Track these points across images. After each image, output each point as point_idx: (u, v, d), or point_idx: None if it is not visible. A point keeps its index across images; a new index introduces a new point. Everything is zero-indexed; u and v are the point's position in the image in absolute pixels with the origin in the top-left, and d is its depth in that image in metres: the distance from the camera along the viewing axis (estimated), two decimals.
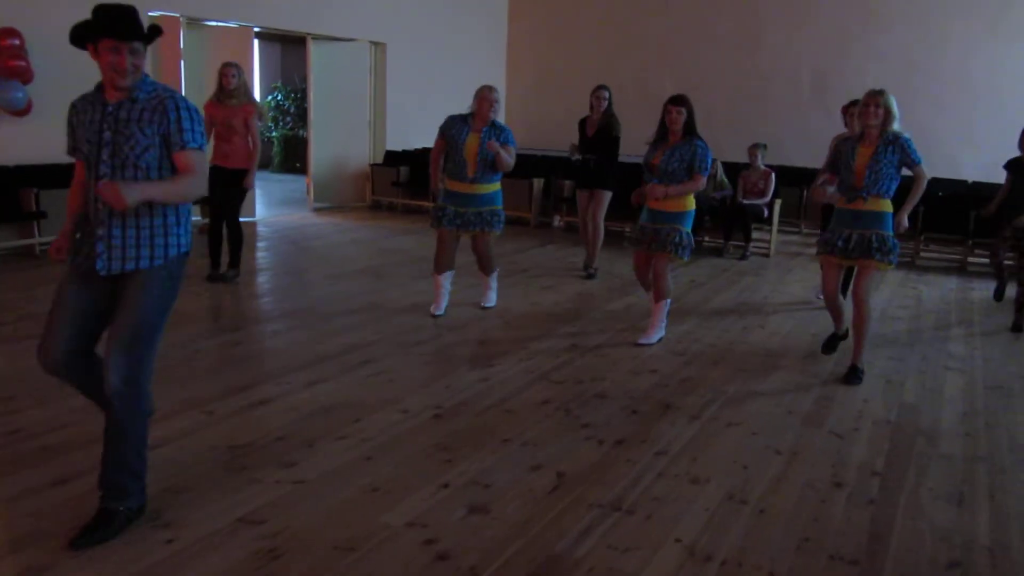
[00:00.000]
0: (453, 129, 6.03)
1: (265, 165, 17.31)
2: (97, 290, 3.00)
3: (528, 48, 15.18)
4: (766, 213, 9.46)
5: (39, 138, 8.00)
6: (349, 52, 12.20)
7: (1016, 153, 7.05)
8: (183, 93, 9.53)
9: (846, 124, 6.64)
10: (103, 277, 2.96)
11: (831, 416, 4.48)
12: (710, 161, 5.57)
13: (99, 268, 2.94)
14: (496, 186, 6.16)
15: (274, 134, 17.81)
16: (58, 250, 3.16)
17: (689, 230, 5.63)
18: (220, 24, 10.22)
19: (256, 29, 10.77)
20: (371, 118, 12.75)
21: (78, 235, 3.02)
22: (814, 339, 6.00)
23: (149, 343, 2.99)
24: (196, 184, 2.95)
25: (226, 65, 6.95)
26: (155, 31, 2.96)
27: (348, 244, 9.31)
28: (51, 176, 7.98)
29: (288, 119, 17.85)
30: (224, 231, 7.03)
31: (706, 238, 9.85)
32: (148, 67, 8.87)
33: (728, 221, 9.42)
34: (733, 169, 9.99)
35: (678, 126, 5.52)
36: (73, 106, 3.03)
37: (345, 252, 8.78)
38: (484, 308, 6.47)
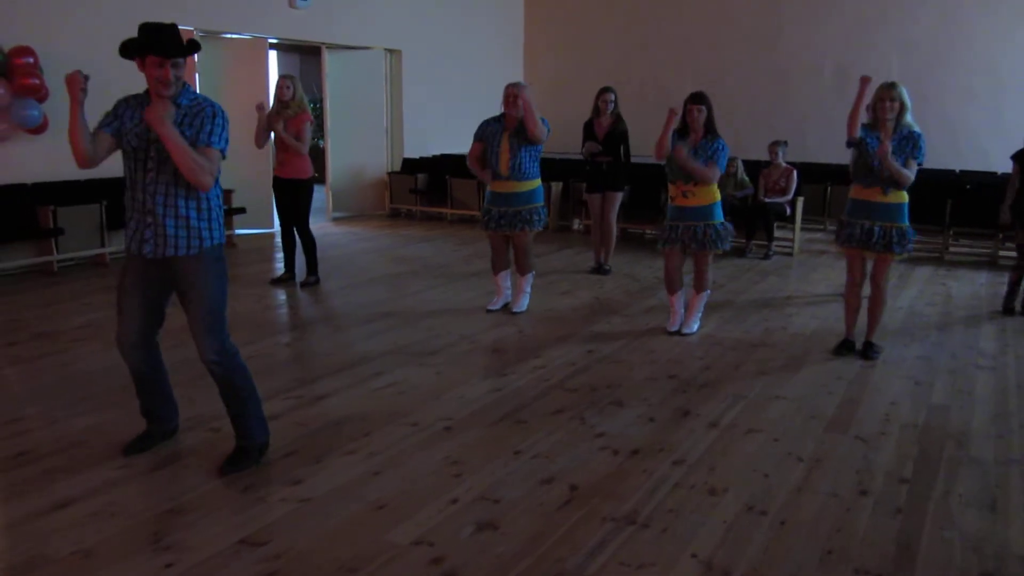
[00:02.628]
0: (488, 130, 6.22)
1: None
2: (152, 275, 3.51)
3: (545, 52, 15.08)
4: (788, 211, 9.27)
5: (55, 155, 8.02)
6: (364, 60, 12.19)
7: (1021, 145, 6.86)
8: None
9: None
10: (151, 261, 3.44)
11: (856, 420, 4.33)
12: (726, 157, 5.70)
13: (147, 252, 3.42)
14: (535, 183, 6.23)
15: None
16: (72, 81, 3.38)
17: (722, 219, 5.80)
18: (234, 36, 10.23)
19: (271, 40, 10.77)
20: (388, 126, 12.72)
21: (130, 223, 3.48)
22: (838, 340, 5.83)
23: (222, 316, 3.57)
24: (203, 169, 3.31)
25: (282, 77, 7.23)
26: (194, 46, 3.39)
27: (365, 253, 9.25)
28: (68, 193, 8.03)
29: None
30: (296, 239, 7.44)
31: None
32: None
33: (750, 220, 9.24)
34: (754, 167, 9.81)
35: (699, 124, 5.64)
36: (124, 99, 3.47)
37: (362, 261, 8.73)
38: (513, 313, 6.39)
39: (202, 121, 3.35)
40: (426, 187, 12.02)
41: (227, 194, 9.57)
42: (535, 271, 6.69)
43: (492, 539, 3.05)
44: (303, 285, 7.40)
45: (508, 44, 14.96)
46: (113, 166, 8.51)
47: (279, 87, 7.16)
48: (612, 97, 7.77)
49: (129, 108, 3.43)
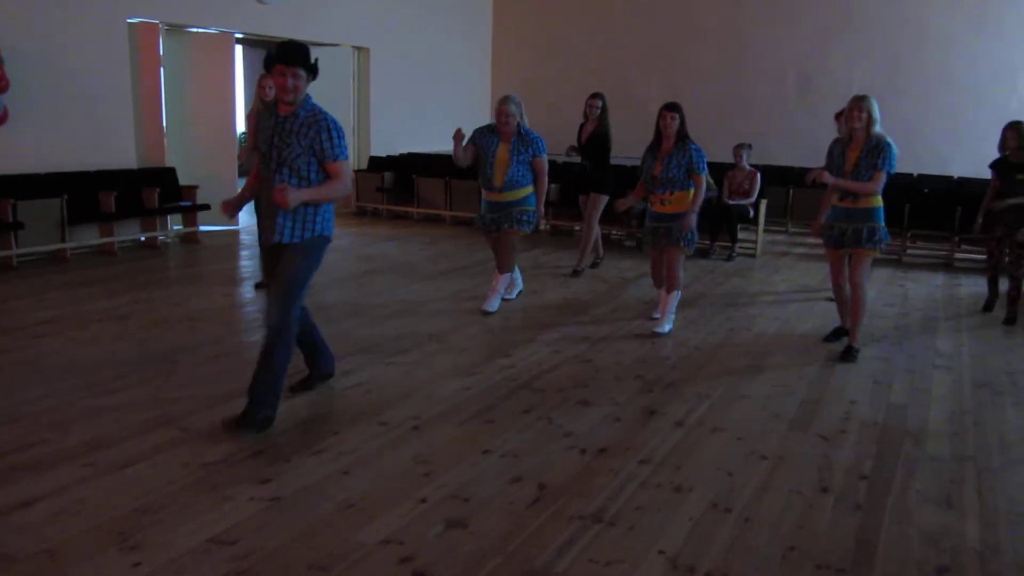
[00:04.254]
0: (483, 140, 6.35)
1: (247, 172, 17.16)
2: (276, 257, 4.06)
3: (513, 53, 15.13)
4: (752, 213, 9.41)
5: (16, 148, 7.89)
6: (332, 57, 12.09)
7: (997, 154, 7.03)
8: (163, 100, 9.52)
9: (839, 130, 6.66)
10: (275, 246, 4.05)
11: (817, 419, 4.43)
12: (705, 160, 6.02)
13: (276, 240, 4.01)
14: (526, 190, 6.37)
15: None
16: (226, 206, 4.17)
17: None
18: (201, 30, 10.12)
19: (237, 35, 10.66)
20: (355, 124, 12.66)
21: (260, 219, 4.23)
22: (800, 341, 5.96)
23: (297, 295, 4.05)
24: (340, 188, 4.04)
25: (263, 77, 6.86)
26: (313, 66, 3.96)
27: (330, 251, 9.09)
28: (28, 186, 7.86)
29: None
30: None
31: None
32: (127, 74, 8.65)
33: (714, 222, 9.36)
34: (718, 169, 9.91)
35: (672, 131, 5.93)
36: (257, 112, 4.19)
37: (327, 260, 8.58)
38: (484, 312, 6.43)
39: (317, 133, 3.87)
40: (392, 186, 11.99)
41: (192, 191, 9.47)
42: (513, 274, 6.78)
43: (461, 538, 3.07)
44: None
45: (477, 45, 14.97)
46: (68, 160, 8.31)
47: (262, 87, 6.80)
48: (599, 103, 8.00)
49: (259, 120, 4.09)
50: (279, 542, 3.00)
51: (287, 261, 4.00)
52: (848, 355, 5.51)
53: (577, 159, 8.29)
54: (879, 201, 5.39)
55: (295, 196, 3.78)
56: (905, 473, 3.78)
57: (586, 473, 3.66)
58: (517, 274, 6.90)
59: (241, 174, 14.54)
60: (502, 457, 3.80)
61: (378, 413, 4.31)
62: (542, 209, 6.53)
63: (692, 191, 6.01)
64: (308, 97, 3.96)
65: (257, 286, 7.14)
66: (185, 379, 4.77)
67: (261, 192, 4.12)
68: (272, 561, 2.87)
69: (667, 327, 6.07)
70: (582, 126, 8.18)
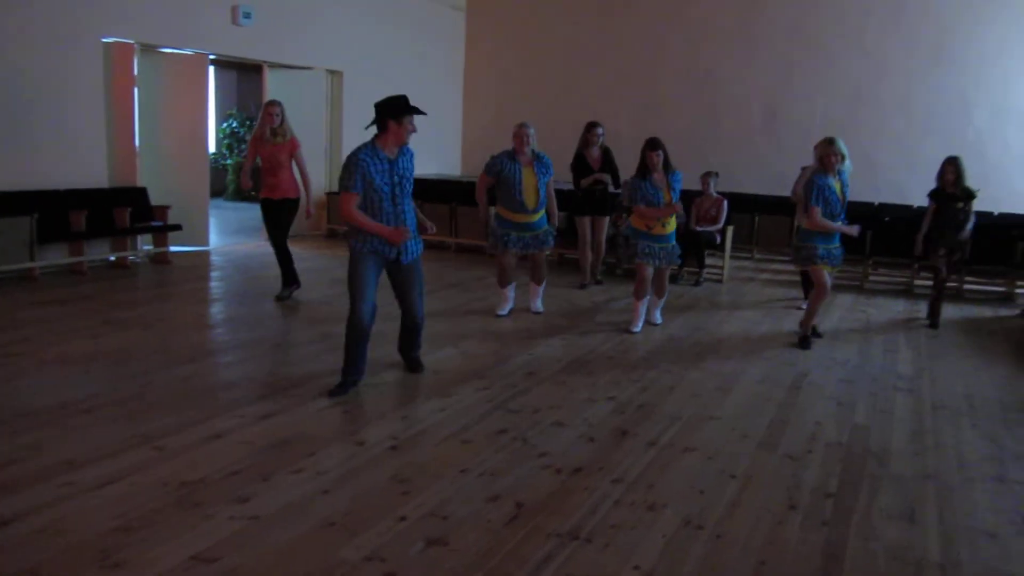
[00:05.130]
0: (503, 167, 6.98)
1: (219, 193, 17.12)
2: (393, 269, 5.10)
3: (484, 78, 15.32)
4: (719, 239, 9.60)
5: None
6: (306, 80, 12.18)
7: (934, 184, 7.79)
8: (136, 120, 9.50)
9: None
10: (395, 260, 5.03)
11: (785, 439, 4.55)
12: (679, 182, 6.83)
13: (404, 260, 5.03)
14: (543, 212, 7.14)
15: (228, 162, 17.63)
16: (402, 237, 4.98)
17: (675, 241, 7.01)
18: (175, 51, 10.14)
19: (211, 56, 10.69)
20: (327, 147, 12.71)
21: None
22: (767, 364, 6.10)
23: (351, 289, 4.98)
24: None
25: (270, 104, 7.42)
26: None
27: (304, 273, 9.19)
28: None
29: (243, 147, 17.68)
30: (279, 252, 7.69)
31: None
32: (100, 93, 8.61)
33: (682, 248, 9.50)
34: (686, 197, 10.08)
35: (659, 167, 6.70)
36: (359, 155, 4.94)
37: (301, 281, 8.68)
38: (536, 313, 7.40)
39: (413, 167, 5.12)
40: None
41: (163, 211, 9.45)
42: (511, 291, 7.42)
43: (442, 555, 3.13)
44: (288, 297, 7.64)
45: (449, 69, 15.13)
46: (39, 178, 8.22)
47: (269, 113, 7.32)
48: (600, 131, 8.61)
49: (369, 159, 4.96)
50: (262, 559, 3.03)
51: (415, 272, 5.14)
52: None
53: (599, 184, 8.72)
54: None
55: (405, 235, 4.94)
56: (869, 491, 3.91)
57: (562, 492, 3.74)
58: (511, 292, 7.38)
59: (214, 194, 14.55)
60: (479, 476, 3.86)
61: (355, 433, 4.35)
62: (555, 222, 7.34)
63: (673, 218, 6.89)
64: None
65: (277, 298, 7.61)
66: (160, 398, 4.77)
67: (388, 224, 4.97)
68: None
69: (660, 319, 7.28)
70: (582, 154, 8.65)
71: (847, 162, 6.36)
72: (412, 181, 5.02)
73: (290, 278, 7.68)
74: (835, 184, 6.37)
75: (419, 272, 5.19)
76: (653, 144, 6.71)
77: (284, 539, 3.18)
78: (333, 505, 3.49)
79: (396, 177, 4.88)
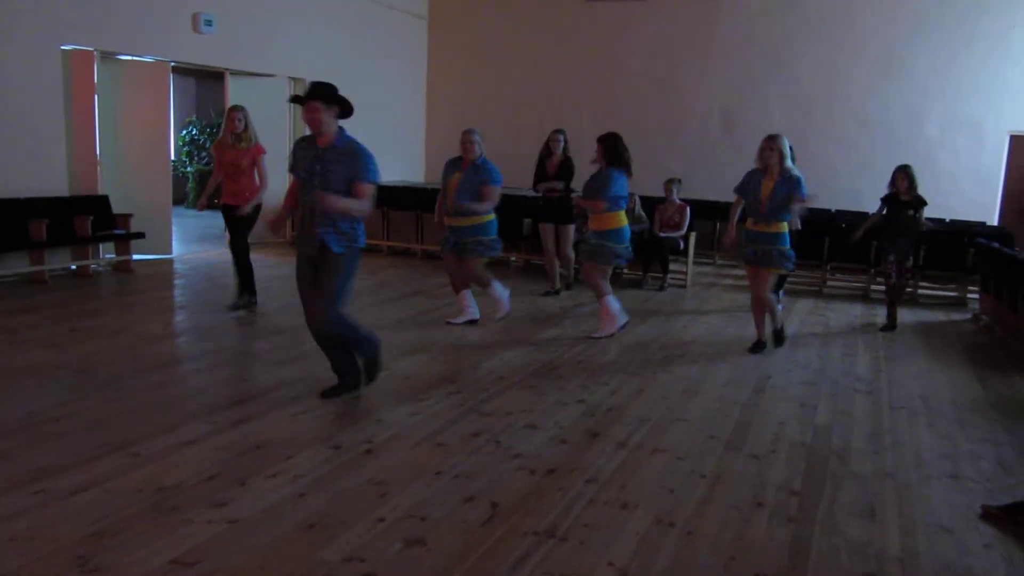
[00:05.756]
0: (445, 170, 6.96)
1: (180, 201, 16.93)
2: (312, 266, 4.72)
3: (446, 85, 15.38)
4: (682, 245, 9.78)
5: None
6: (267, 87, 12.13)
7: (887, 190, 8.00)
8: (97, 127, 9.39)
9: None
10: (313, 257, 4.70)
11: (750, 440, 4.67)
12: (613, 183, 6.67)
13: (317, 250, 4.66)
14: (480, 219, 6.84)
15: (189, 169, 17.45)
16: (272, 224, 5.05)
17: (616, 243, 6.78)
18: (136, 58, 10.05)
19: (172, 64, 10.61)
20: (290, 152, 12.65)
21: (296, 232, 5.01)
22: (730, 367, 6.25)
23: (341, 298, 4.75)
24: (366, 205, 4.67)
25: (232, 110, 7.38)
26: (343, 101, 4.71)
27: (267, 280, 9.17)
28: None
29: (203, 154, 17.53)
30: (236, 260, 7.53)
31: (625, 270, 10.12)
32: (60, 101, 8.56)
33: (646, 254, 9.70)
34: (649, 203, 10.31)
35: (602, 159, 6.78)
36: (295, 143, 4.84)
37: (265, 288, 8.65)
38: (497, 320, 7.24)
39: (355, 160, 4.60)
40: None
41: (126, 219, 9.35)
42: (495, 282, 7.22)
43: (421, 554, 3.18)
44: (243, 307, 7.45)
45: (412, 78, 15.17)
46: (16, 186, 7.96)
47: (232, 119, 7.29)
48: (562, 138, 8.65)
49: (299, 148, 4.79)
50: (242, 562, 3.05)
51: (331, 270, 4.66)
52: (778, 337, 6.79)
53: (554, 193, 8.69)
54: (786, 227, 6.36)
55: (334, 201, 4.48)
56: (832, 488, 4.04)
57: (536, 492, 3.81)
58: (471, 300, 7.26)
59: (175, 202, 14.39)
60: (455, 478, 3.92)
61: (330, 437, 4.38)
62: (470, 203, 6.75)
63: (610, 213, 6.75)
64: (342, 129, 4.68)
65: (230, 307, 7.42)
66: (131, 406, 4.75)
67: (300, 210, 4.78)
68: None
69: (604, 332, 6.95)
70: (543, 160, 8.67)
71: (788, 163, 6.20)
72: (342, 179, 4.58)
73: (247, 287, 7.52)
74: (764, 181, 6.26)
75: (336, 274, 4.71)
76: (600, 138, 6.82)
77: (263, 542, 3.21)
78: (311, 508, 3.52)
79: (318, 166, 4.60)
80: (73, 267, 8.95)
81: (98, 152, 9.56)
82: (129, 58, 10.01)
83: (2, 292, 7.81)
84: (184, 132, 17.66)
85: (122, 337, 6.30)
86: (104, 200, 9.36)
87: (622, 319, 7.03)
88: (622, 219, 6.82)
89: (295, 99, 4.73)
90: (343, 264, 4.69)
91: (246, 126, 7.34)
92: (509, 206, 9.03)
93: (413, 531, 3.36)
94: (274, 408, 4.81)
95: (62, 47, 8.86)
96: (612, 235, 6.78)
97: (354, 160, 4.61)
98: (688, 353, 6.66)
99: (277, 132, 12.37)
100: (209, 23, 10.51)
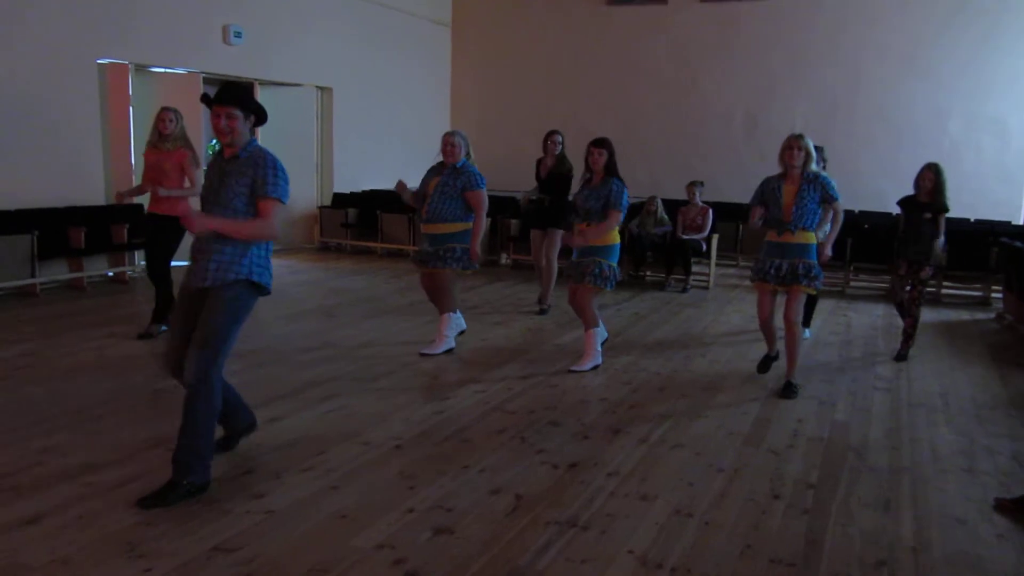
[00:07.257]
0: (426, 174, 6.30)
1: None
2: (197, 304, 3.73)
3: (470, 91, 15.58)
4: (704, 247, 9.87)
5: None
6: (296, 97, 12.41)
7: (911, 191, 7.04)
8: (132, 138, 9.67)
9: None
10: (197, 292, 3.73)
11: (768, 435, 4.78)
12: (625, 198, 5.90)
13: (199, 284, 3.70)
14: (455, 226, 6.16)
15: None
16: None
17: (612, 263, 5.93)
18: (168, 71, 10.34)
19: (203, 75, 10.89)
20: (318, 161, 12.93)
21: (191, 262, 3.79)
22: (751, 366, 6.33)
23: (221, 348, 3.67)
24: (264, 227, 3.74)
25: (164, 109, 6.62)
26: (257, 106, 3.83)
27: (298, 285, 9.42)
28: None
29: None
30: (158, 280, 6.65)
31: (648, 272, 10.24)
32: (96, 113, 8.82)
33: (669, 256, 9.81)
34: (672, 206, 10.41)
35: (599, 166, 5.92)
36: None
37: (296, 293, 8.89)
38: (421, 354, 6.28)
39: (257, 170, 3.68)
40: (356, 221, 12.26)
41: None
42: (456, 312, 6.49)
43: (449, 542, 3.34)
44: (145, 335, 6.59)
45: (436, 83, 15.39)
46: (39, 196, 8.39)
47: (162, 119, 6.52)
48: (559, 139, 8.18)
49: (212, 163, 3.90)
50: (279, 549, 3.23)
51: (210, 308, 3.65)
52: (788, 391, 5.59)
53: (528, 202, 8.36)
54: (814, 237, 5.48)
55: (204, 221, 3.61)
56: (848, 482, 4.14)
57: (559, 485, 3.95)
58: (458, 315, 6.54)
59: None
60: (481, 472, 4.07)
61: (359, 434, 4.55)
62: (476, 248, 6.21)
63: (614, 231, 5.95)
64: (253, 140, 3.79)
65: (139, 336, 6.60)
66: (169, 405, 4.89)
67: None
68: (275, 566, 3.10)
69: (588, 365, 6.05)
70: (540, 162, 8.32)
71: (814, 166, 5.43)
72: (241, 195, 3.70)
73: (162, 312, 6.58)
74: (785, 187, 5.44)
75: (216, 315, 3.66)
76: (597, 141, 5.96)
77: (299, 530, 3.38)
78: (343, 499, 3.69)
79: (216, 180, 3.77)
80: (110, 273, 9.24)
81: (133, 162, 9.85)
82: (162, 70, 10.30)
83: (43, 298, 8.10)
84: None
85: (159, 340, 6.52)
86: (139, 208, 9.58)
87: (599, 358, 6.19)
88: (618, 234, 6.08)
89: (205, 99, 3.81)
90: (225, 305, 3.66)
91: (177, 126, 6.56)
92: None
93: (441, 521, 3.51)
94: (306, 407, 4.99)
95: (98, 61, 9.16)
96: (611, 251, 5.95)
97: (256, 171, 3.68)
98: (709, 352, 6.76)
99: (306, 140, 12.66)
100: (239, 35, 10.79)
